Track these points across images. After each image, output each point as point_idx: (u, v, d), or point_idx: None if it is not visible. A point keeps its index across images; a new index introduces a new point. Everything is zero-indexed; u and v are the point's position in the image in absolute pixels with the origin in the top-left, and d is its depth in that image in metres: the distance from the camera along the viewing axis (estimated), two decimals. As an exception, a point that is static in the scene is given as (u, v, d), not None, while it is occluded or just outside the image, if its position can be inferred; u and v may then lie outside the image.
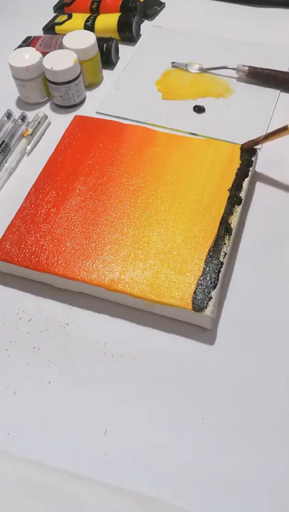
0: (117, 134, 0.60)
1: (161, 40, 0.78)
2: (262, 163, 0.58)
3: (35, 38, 0.76)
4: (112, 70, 0.75)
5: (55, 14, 0.84)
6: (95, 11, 0.80)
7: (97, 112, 0.68)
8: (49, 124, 0.68)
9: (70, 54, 0.65)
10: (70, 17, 0.80)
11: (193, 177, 0.55)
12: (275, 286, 0.49)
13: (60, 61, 0.65)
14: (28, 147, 0.65)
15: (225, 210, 0.52)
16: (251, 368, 0.44)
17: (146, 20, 0.83)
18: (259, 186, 0.58)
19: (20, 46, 0.76)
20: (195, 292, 0.46)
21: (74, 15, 0.80)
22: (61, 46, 0.69)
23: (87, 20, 0.77)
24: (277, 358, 0.45)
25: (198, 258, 0.48)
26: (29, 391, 0.44)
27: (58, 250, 0.50)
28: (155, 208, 0.53)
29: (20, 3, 0.88)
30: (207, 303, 0.45)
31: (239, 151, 0.57)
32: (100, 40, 0.71)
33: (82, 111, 0.69)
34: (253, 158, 0.56)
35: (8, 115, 0.67)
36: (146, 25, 0.81)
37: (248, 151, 0.57)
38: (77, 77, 0.66)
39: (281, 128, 0.53)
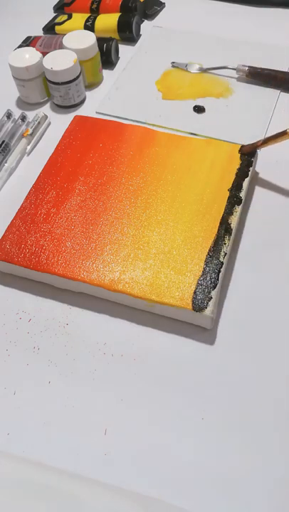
0: (117, 134, 0.60)
1: (161, 40, 0.78)
2: (262, 163, 0.58)
3: (35, 38, 0.76)
4: (112, 70, 0.75)
5: (55, 14, 0.84)
6: (95, 11, 0.80)
7: (97, 112, 0.68)
8: (49, 124, 0.68)
9: (70, 54, 0.65)
10: (70, 17, 0.80)
11: (193, 177, 0.55)
12: (275, 286, 0.49)
13: (60, 61, 0.65)
14: (28, 147, 0.65)
15: (225, 210, 0.52)
16: (251, 368, 0.44)
17: (146, 20, 0.83)
18: (259, 186, 0.58)
19: (20, 46, 0.76)
20: (195, 292, 0.46)
21: (74, 15, 0.80)
22: (61, 46, 0.69)
23: (87, 20, 0.77)
24: (277, 358, 0.45)
25: (198, 258, 0.48)
26: (29, 391, 0.44)
27: (58, 250, 0.50)
28: (155, 208, 0.53)
29: (20, 3, 0.88)
30: (207, 303, 0.45)
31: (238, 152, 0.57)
32: (100, 40, 0.71)
33: (82, 111, 0.69)
34: (253, 158, 0.56)
35: (8, 115, 0.67)
36: (146, 25, 0.81)
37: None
38: (77, 77, 0.66)
39: (280, 132, 0.53)
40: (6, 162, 0.62)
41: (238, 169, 0.55)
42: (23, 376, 0.45)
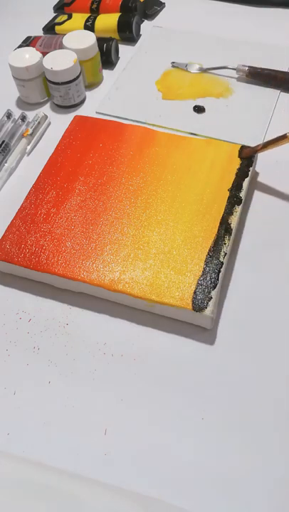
0: (117, 134, 0.60)
1: (161, 40, 0.78)
2: (262, 164, 0.58)
3: (35, 38, 0.76)
4: (112, 70, 0.75)
5: (55, 14, 0.84)
6: (95, 11, 0.80)
7: (97, 112, 0.68)
8: (49, 124, 0.68)
9: (70, 54, 0.65)
10: (70, 17, 0.80)
11: (193, 177, 0.55)
12: (275, 286, 0.49)
13: (60, 61, 0.65)
14: (28, 147, 0.65)
15: (225, 210, 0.52)
16: (251, 368, 0.44)
17: (146, 20, 0.83)
18: (259, 186, 0.58)
19: (20, 46, 0.76)
20: (195, 292, 0.46)
21: (74, 15, 0.80)
22: (61, 46, 0.69)
23: (87, 20, 0.77)
24: (277, 358, 0.45)
25: (198, 258, 0.48)
26: (29, 391, 0.44)
27: (58, 250, 0.50)
28: (155, 208, 0.53)
29: (20, 3, 0.88)
30: (207, 303, 0.45)
31: (238, 152, 0.57)
32: (100, 40, 0.71)
33: (82, 111, 0.69)
34: (253, 158, 0.56)
35: (8, 115, 0.67)
36: (146, 25, 0.81)
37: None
38: (77, 77, 0.66)
39: (280, 136, 0.53)
40: (6, 162, 0.62)
41: (238, 169, 0.55)
42: (23, 376, 0.45)
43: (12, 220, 0.53)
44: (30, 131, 0.65)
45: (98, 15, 0.78)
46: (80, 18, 0.78)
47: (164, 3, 0.85)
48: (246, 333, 0.47)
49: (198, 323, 0.47)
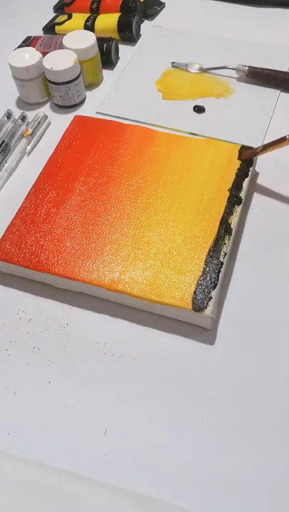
0: (117, 134, 0.60)
1: (161, 40, 0.78)
2: (262, 164, 0.58)
3: (35, 38, 0.76)
4: (112, 70, 0.75)
5: (55, 14, 0.84)
6: (95, 11, 0.80)
7: (97, 112, 0.68)
8: (49, 124, 0.68)
9: (70, 54, 0.65)
10: (70, 17, 0.80)
11: (193, 177, 0.55)
12: (275, 286, 0.49)
13: (60, 61, 0.65)
14: (28, 147, 0.65)
15: (225, 210, 0.52)
16: (251, 368, 0.44)
17: (146, 20, 0.83)
18: (259, 186, 0.58)
19: (20, 46, 0.76)
20: (195, 292, 0.46)
21: (74, 15, 0.80)
22: (61, 46, 0.69)
23: (87, 20, 0.77)
24: (277, 358, 0.45)
25: (198, 258, 0.48)
26: (29, 391, 0.44)
27: (58, 250, 0.50)
28: (155, 208, 0.53)
29: (20, 3, 0.88)
30: (207, 303, 0.45)
31: (238, 152, 0.57)
32: (100, 40, 0.71)
33: (82, 111, 0.69)
34: (253, 158, 0.56)
35: (8, 115, 0.67)
36: (146, 25, 0.81)
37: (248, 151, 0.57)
38: (77, 77, 0.66)
39: (280, 139, 0.52)
40: (6, 162, 0.62)
41: (238, 169, 0.55)
42: (23, 376, 0.45)
43: (12, 220, 0.53)
44: (30, 131, 0.65)
45: (98, 15, 0.78)
46: (80, 18, 0.78)
47: (164, 3, 0.85)
48: (246, 333, 0.47)
49: (198, 323, 0.47)
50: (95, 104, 0.69)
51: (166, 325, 0.47)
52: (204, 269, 0.47)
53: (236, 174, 0.55)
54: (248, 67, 0.69)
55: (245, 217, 0.55)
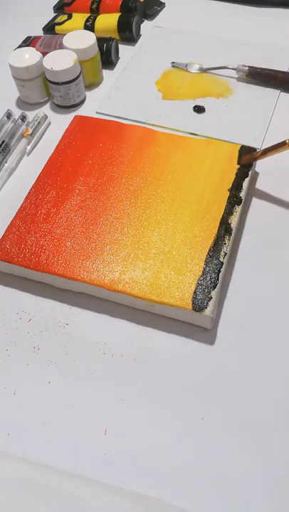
0: (117, 134, 0.60)
1: (161, 40, 0.78)
2: (262, 164, 0.58)
3: (35, 38, 0.76)
4: (112, 70, 0.75)
5: (55, 14, 0.84)
6: (95, 11, 0.80)
7: (97, 112, 0.68)
8: (49, 124, 0.68)
9: (70, 54, 0.65)
10: (70, 17, 0.80)
11: (193, 177, 0.55)
12: (275, 286, 0.49)
13: (60, 61, 0.65)
14: (28, 147, 0.65)
15: (225, 210, 0.52)
16: (251, 368, 0.44)
17: (146, 20, 0.83)
18: (259, 186, 0.58)
19: (20, 46, 0.76)
20: (195, 292, 0.46)
21: (74, 15, 0.80)
22: (61, 46, 0.69)
23: (87, 20, 0.77)
24: (277, 358, 0.45)
25: (198, 258, 0.48)
26: (29, 391, 0.44)
27: (58, 250, 0.50)
28: (155, 208, 0.53)
29: (20, 3, 0.88)
30: (207, 303, 0.45)
31: (238, 152, 0.57)
32: (100, 40, 0.71)
33: (82, 111, 0.69)
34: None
35: (8, 115, 0.67)
36: (146, 25, 0.81)
37: (248, 151, 0.57)
38: (77, 77, 0.66)
39: (280, 143, 0.52)
40: (6, 162, 0.62)
41: (238, 169, 0.55)
42: (23, 376, 0.45)
43: (12, 220, 0.53)
44: (30, 131, 0.65)
45: (98, 15, 0.78)
46: (80, 18, 0.78)
47: (164, 3, 0.85)
48: (246, 333, 0.47)
49: (198, 323, 0.47)
50: (95, 104, 0.69)
51: (166, 325, 0.47)
52: (204, 269, 0.47)
53: (236, 174, 0.55)
54: (248, 67, 0.69)
55: (245, 217, 0.55)
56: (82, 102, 0.70)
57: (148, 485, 0.39)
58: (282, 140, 0.52)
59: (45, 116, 0.67)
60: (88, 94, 0.71)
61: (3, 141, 0.63)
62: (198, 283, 0.46)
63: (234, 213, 0.52)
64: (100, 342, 0.47)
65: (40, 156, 0.62)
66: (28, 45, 0.74)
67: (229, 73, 0.71)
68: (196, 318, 0.46)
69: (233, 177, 0.54)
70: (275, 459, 0.40)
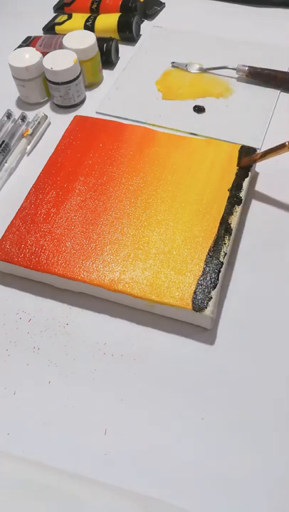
0: (117, 134, 0.60)
1: (161, 40, 0.78)
2: (262, 163, 0.58)
3: (35, 38, 0.76)
4: (112, 70, 0.75)
5: (55, 14, 0.84)
6: (95, 11, 0.80)
7: (97, 112, 0.68)
8: (49, 124, 0.68)
9: (70, 54, 0.65)
10: (70, 17, 0.80)
11: (193, 177, 0.55)
12: (275, 286, 0.49)
13: (60, 61, 0.65)
14: (28, 147, 0.65)
15: (225, 210, 0.52)
16: (251, 368, 0.44)
17: (146, 20, 0.83)
18: (259, 186, 0.58)
19: (20, 46, 0.76)
20: (195, 292, 0.46)
21: (74, 15, 0.80)
22: (61, 46, 0.69)
23: (87, 20, 0.77)
24: (277, 358, 0.45)
25: (198, 258, 0.48)
26: (29, 391, 0.44)
27: (58, 250, 0.50)
28: (155, 208, 0.53)
29: (20, 3, 0.88)
30: (207, 303, 0.45)
31: (238, 152, 0.57)
32: (100, 40, 0.71)
33: (82, 111, 0.69)
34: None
35: (8, 115, 0.67)
36: (146, 25, 0.81)
37: (248, 151, 0.57)
38: (77, 77, 0.66)
39: (279, 145, 0.52)
40: (6, 162, 0.62)
41: (238, 169, 0.55)
42: (23, 376, 0.45)
43: (12, 220, 0.53)
44: (30, 131, 0.65)
45: (98, 15, 0.78)
46: (80, 18, 0.78)
47: (164, 3, 0.85)
48: (246, 333, 0.47)
49: (198, 323, 0.47)
50: (95, 104, 0.69)
51: (166, 325, 0.47)
52: (204, 269, 0.47)
53: (236, 174, 0.55)
54: (248, 67, 0.69)
55: (245, 217, 0.55)
56: (82, 102, 0.70)
57: (148, 485, 0.39)
58: (282, 142, 0.52)
59: (45, 116, 0.67)
60: (88, 94, 0.71)
61: (3, 141, 0.63)
62: (198, 283, 0.46)
63: (234, 213, 0.52)
64: (100, 342, 0.47)
65: (40, 156, 0.62)
66: (28, 45, 0.74)
67: (229, 73, 0.71)
68: (196, 318, 0.46)
69: (233, 177, 0.54)
70: (275, 459, 0.40)
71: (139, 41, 0.79)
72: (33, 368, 0.45)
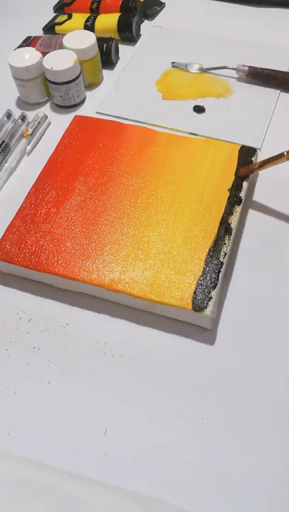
0: (117, 134, 0.60)
1: (161, 40, 0.78)
2: (262, 163, 0.58)
3: (35, 38, 0.76)
4: (112, 70, 0.75)
5: (55, 14, 0.84)
6: (95, 11, 0.80)
7: (97, 112, 0.68)
8: (49, 124, 0.68)
9: (70, 54, 0.65)
10: (70, 17, 0.80)
11: (193, 177, 0.55)
12: (275, 286, 0.49)
13: (60, 61, 0.65)
14: (28, 147, 0.65)
15: (225, 210, 0.52)
16: (251, 368, 0.44)
17: (146, 20, 0.83)
18: (259, 186, 0.58)
19: (20, 46, 0.76)
20: (195, 292, 0.46)
21: (74, 15, 0.80)
22: (61, 46, 0.69)
23: (87, 20, 0.77)
24: (277, 358, 0.45)
25: (198, 258, 0.48)
26: (29, 391, 0.44)
27: (58, 250, 0.50)
28: (155, 208, 0.53)
29: (20, 3, 0.88)
30: (207, 303, 0.45)
31: (238, 152, 0.57)
32: (100, 40, 0.71)
33: (82, 111, 0.69)
34: (252, 159, 0.56)
35: (8, 115, 0.67)
36: (146, 25, 0.81)
37: (248, 151, 0.57)
38: (77, 77, 0.66)
39: (277, 155, 0.51)
40: (6, 162, 0.62)
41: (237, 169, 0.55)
42: (23, 376, 0.45)
43: (12, 220, 0.53)
44: (30, 131, 0.65)
45: (98, 15, 0.78)
46: (80, 18, 0.78)
47: (164, 3, 0.85)
48: (246, 333, 0.47)
49: (198, 323, 0.47)
50: (95, 104, 0.69)
51: (166, 325, 0.47)
52: (204, 269, 0.47)
53: (236, 174, 0.55)
54: (248, 67, 0.69)
55: (245, 217, 0.55)
56: (82, 102, 0.70)
57: (148, 485, 0.39)
58: (280, 152, 0.51)
59: (45, 116, 0.67)
60: (88, 94, 0.71)
61: (3, 141, 0.63)
62: (198, 283, 0.46)
63: (234, 213, 0.52)
64: (100, 342, 0.47)
65: (40, 156, 0.62)
66: (28, 45, 0.74)
67: (229, 73, 0.71)
68: (196, 318, 0.46)
69: (233, 177, 0.54)
70: (275, 459, 0.40)
71: (139, 41, 0.79)
72: (33, 368, 0.45)
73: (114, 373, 0.45)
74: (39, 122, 0.66)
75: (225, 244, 0.49)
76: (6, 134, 0.65)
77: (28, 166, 0.63)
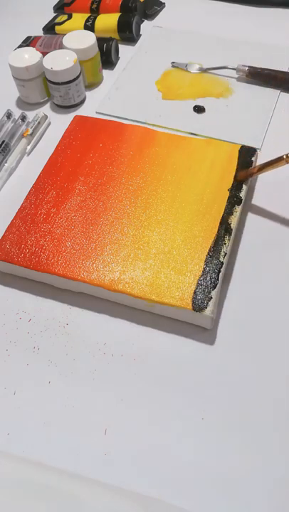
0: (117, 134, 0.60)
1: (161, 40, 0.78)
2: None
3: (35, 38, 0.76)
4: (112, 70, 0.75)
5: (55, 14, 0.84)
6: (95, 11, 0.80)
7: (97, 112, 0.68)
8: (49, 124, 0.68)
9: (70, 54, 0.65)
10: (70, 17, 0.80)
11: (193, 177, 0.55)
12: (275, 286, 0.49)
13: (60, 61, 0.65)
14: (28, 147, 0.65)
15: (225, 210, 0.52)
16: (251, 368, 0.44)
17: (146, 20, 0.83)
18: (259, 186, 0.58)
19: (20, 46, 0.76)
20: (195, 292, 0.46)
21: (74, 15, 0.80)
22: (61, 46, 0.69)
23: (87, 20, 0.77)
24: (277, 358, 0.45)
25: (198, 258, 0.48)
26: (29, 391, 0.44)
27: (58, 250, 0.50)
28: (155, 208, 0.53)
29: (20, 3, 0.88)
30: (207, 303, 0.45)
31: (238, 152, 0.57)
32: (100, 40, 0.71)
33: (82, 111, 0.69)
34: (253, 158, 0.56)
35: (8, 115, 0.67)
36: (146, 25, 0.81)
37: (248, 151, 0.57)
38: (77, 77, 0.66)
39: (276, 158, 0.51)
40: (6, 162, 0.62)
41: (238, 169, 0.55)
42: (23, 376, 0.45)
43: (12, 220, 0.53)
44: (30, 131, 0.65)
45: (98, 15, 0.78)
46: (80, 18, 0.78)
47: (164, 3, 0.85)
48: (246, 333, 0.47)
49: (198, 323, 0.47)
50: (95, 104, 0.69)
51: (166, 325, 0.47)
52: (204, 269, 0.47)
53: (235, 178, 0.55)
54: (248, 67, 0.69)
55: (245, 217, 0.55)
56: (82, 102, 0.70)
57: (148, 485, 0.39)
58: (279, 156, 0.51)
59: (45, 116, 0.67)
60: (88, 94, 0.71)
61: (3, 141, 0.63)
62: (198, 283, 0.46)
63: (234, 213, 0.52)
64: (100, 342, 0.47)
65: (40, 156, 0.62)
66: (28, 45, 0.74)
67: (229, 73, 0.71)
68: (196, 318, 0.46)
69: (233, 177, 0.54)
70: (275, 459, 0.40)
71: (139, 41, 0.79)
72: (33, 368, 0.45)
73: (114, 373, 0.45)
74: (39, 122, 0.66)
75: (225, 244, 0.49)
76: (6, 134, 0.65)
77: (28, 166, 0.63)
